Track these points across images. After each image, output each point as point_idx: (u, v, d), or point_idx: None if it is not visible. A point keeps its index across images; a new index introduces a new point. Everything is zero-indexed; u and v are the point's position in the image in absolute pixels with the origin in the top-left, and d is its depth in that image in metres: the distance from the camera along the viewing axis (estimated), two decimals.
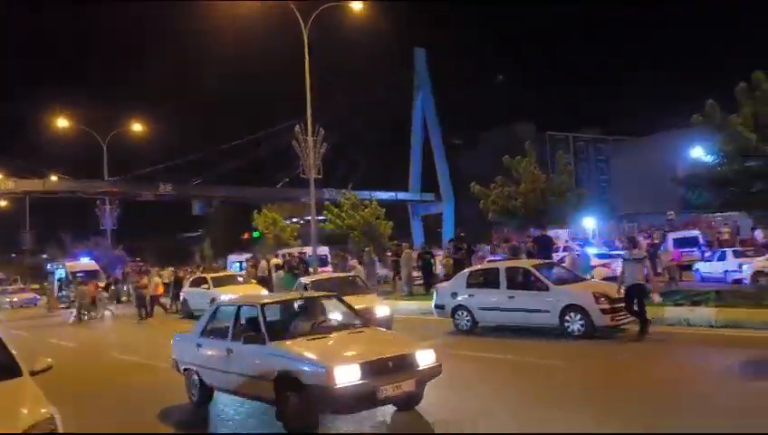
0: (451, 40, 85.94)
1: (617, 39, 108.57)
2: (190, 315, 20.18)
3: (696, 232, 24.72)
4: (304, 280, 15.00)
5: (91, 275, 32.39)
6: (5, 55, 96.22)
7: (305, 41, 24.82)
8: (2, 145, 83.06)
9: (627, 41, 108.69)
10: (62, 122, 41.74)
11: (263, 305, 7.33)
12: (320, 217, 27.95)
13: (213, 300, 17.65)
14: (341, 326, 7.52)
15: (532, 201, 17.09)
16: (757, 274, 17.21)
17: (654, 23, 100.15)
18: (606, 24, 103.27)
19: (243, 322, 7.49)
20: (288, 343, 6.77)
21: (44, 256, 63.43)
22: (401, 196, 60.15)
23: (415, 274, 20.85)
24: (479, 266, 15.10)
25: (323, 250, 30.45)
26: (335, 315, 8.07)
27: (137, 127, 43.72)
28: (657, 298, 11.74)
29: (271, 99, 69.45)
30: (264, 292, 18.45)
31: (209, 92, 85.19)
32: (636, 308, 10.72)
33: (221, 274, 23.80)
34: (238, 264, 39.73)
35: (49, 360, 5.80)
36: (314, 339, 6.83)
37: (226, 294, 17.43)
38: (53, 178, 44.96)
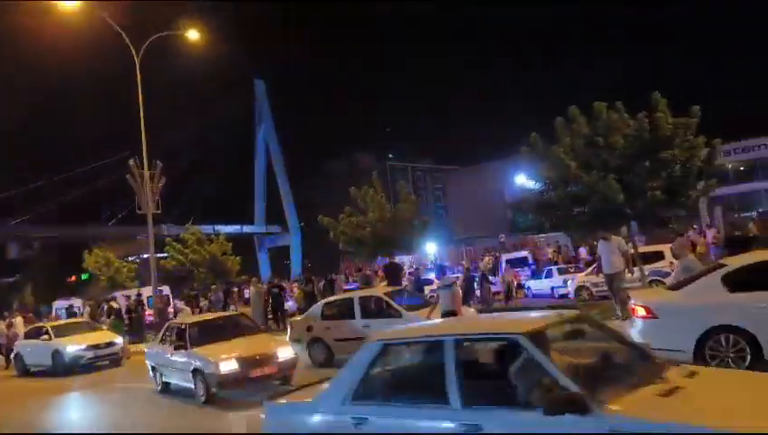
0: (291, 69, 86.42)
1: (445, 72, 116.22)
2: (26, 373, 18.16)
3: (525, 252, 26.78)
4: (179, 322, 12.71)
5: None
6: None
7: (137, 69, 23.61)
8: None
9: (453, 77, 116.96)
10: None
11: (189, 325, 11.90)
12: (160, 255, 26.37)
13: (56, 353, 16.76)
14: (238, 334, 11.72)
15: (380, 230, 17.49)
16: (580, 288, 19.06)
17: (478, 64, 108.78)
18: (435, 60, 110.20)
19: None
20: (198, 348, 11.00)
21: None
22: (247, 229, 58.93)
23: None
24: (333, 298, 15.07)
25: (165, 290, 28.72)
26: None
27: None
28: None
29: (103, 130, 64.62)
30: (118, 339, 17.70)
31: (28, 122, 77.08)
32: None
33: (62, 322, 21.35)
34: (64, 310, 36.18)
35: None
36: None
37: (73, 344, 16.72)
38: None
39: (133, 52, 22.80)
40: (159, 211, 26.16)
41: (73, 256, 53.24)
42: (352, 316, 12.74)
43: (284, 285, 21.60)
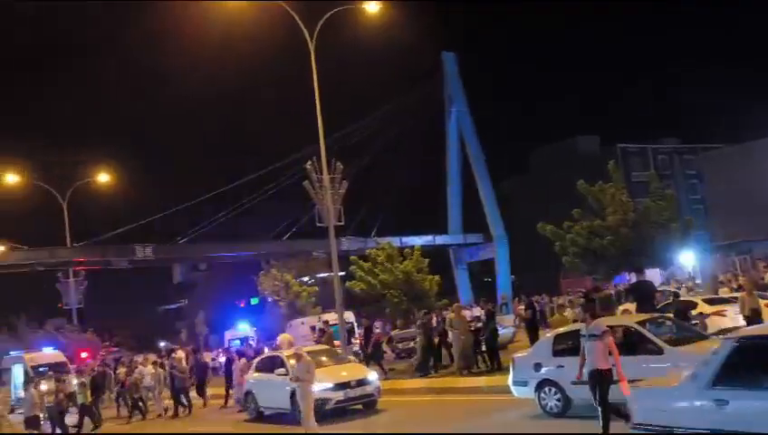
0: (483, 45, 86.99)
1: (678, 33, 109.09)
2: (259, 416, 18.34)
3: None
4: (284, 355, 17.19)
5: (57, 367, 32.56)
6: None
7: (312, 53, 25.37)
8: None
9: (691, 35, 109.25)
10: (9, 178, 42.71)
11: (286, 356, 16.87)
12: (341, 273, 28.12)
13: (296, 393, 15.21)
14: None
15: (624, 237, 16.91)
16: None
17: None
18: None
19: None
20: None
21: None
22: (440, 240, 59.94)
23: None
24: (568, 328, 14.89)
25: (349, 316, 30.45)
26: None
27: (103, 178, 44.61)
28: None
29: (265, 134, 70.44)
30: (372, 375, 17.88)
31: (189, 133, 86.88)
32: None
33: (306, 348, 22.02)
34: (238, 342, 39.87)
35: None
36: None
37: (317, 382, 15.26)
38: (0, 248, 45.78)
39: (305, 33, 24.56)
40: (342, 223, 28.01)
41: (243, 277, 58.57)
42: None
43: (494, 309, 21.64)
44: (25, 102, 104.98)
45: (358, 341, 26.37)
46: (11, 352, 40.84)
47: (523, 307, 20.19)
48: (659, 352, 11.69)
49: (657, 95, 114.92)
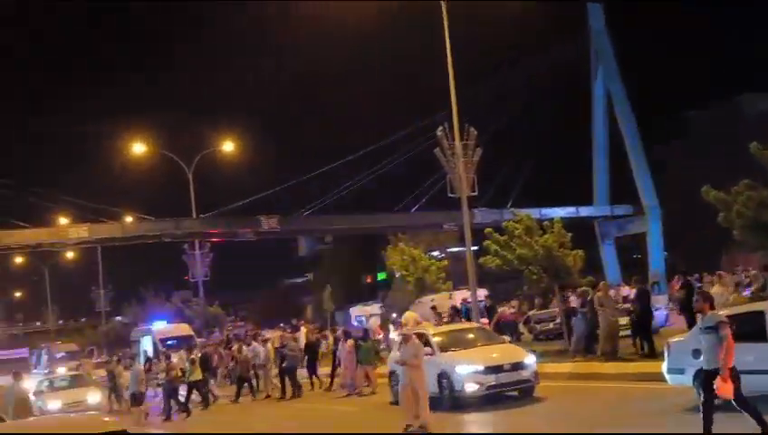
0: None
1: None
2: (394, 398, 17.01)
3: None
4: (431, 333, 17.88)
5: (185, 341, 34.42)
6: (64, 69, 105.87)
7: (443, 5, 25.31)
8: (58, 180, 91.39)
9: None
10: (137, 147, 45.19)
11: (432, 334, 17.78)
12: (473, 248, 28.06)
13: (442, 376, 16.01)
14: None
15: None
16: None
17: None
18: None
19: None
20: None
21: (118, 317, 68.81)
22: (584, 211, 58.34)
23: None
24: (733, 310, 14.14)
25: (482, 294, 30.27)
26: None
27: (227, 147, 46.34)
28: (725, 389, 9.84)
29: (391, 102, 70.79)
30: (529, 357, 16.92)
31: (310, 101, 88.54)
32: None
33: (446, 328, 20.51)
34: (364, 318, 40.63)
35: None
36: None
37: (466, 363, 15.84)
38: (128, 219, 48.54)
39: None
40: (475, 193, 27.83)
41: (368, 252, 59.57)
42: (763, 338, 11.83)
43: (648, 289, 20.91)
44: (154, 73, 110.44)
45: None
46: (140, 325, 43.69)
47: (678, 287, 19.33)
48: None
49: None
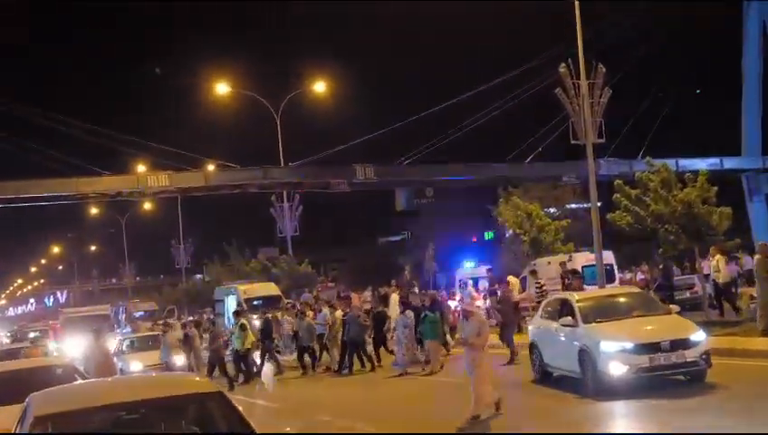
0: None
1: None
2: (546, 377, 16.84)
3: None
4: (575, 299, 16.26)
5: (271, 302, 35.17)
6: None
7: None
8: (135, 123, 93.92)
9: None
10: (221, 88, 45.95)
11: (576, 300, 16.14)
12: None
13: (583, 353, 14.66)
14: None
15: None
16: None
17: None
18: None
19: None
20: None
21: (199, 276, 70.88)
22: (730, 163, 56.24)
23: None
24: None
25: (608, 256, 29.77)
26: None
27: (318, 88, 46.61)
28: None
29: (504, 35, 69.31)
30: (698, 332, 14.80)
31: (411, 36, 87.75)
32: None
33: (596, 293, 19.59)
34: (471, 282, 40.55)
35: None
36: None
37: (613, 338, 14.32)
38: (210, 167, 49.53)
39: None
40: (603, 140, 27.25)
41: (477, 206, 59.14)
42: None
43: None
44: (241, 11, 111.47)
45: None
46: (224, 284, 44.81)
47: None
48: None
49: None
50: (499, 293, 25.55)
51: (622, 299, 16.90)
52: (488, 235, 78.86)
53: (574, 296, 16.47)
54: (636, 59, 49.84)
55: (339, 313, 25.53)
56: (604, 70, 26.29)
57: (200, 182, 45.51)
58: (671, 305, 17.24)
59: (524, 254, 33.30)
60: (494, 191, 44.71)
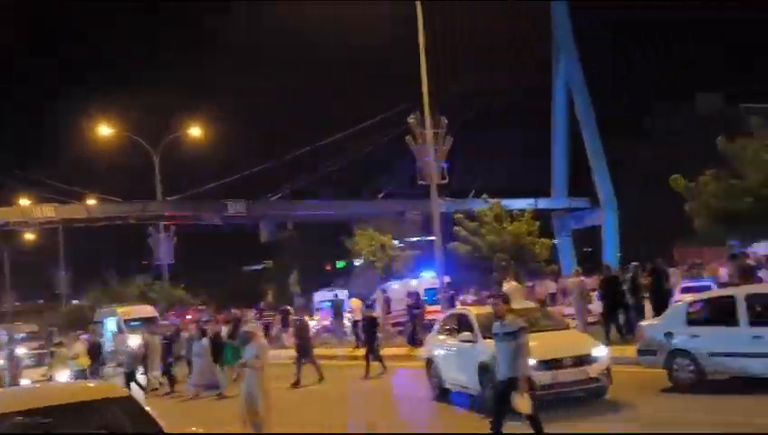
0: None
1: None
2: (444, 394, 14.67)
3: None
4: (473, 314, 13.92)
5: (149, 322, 34.02)
6: (28, 53, 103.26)
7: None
8: (20, 161, 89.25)
9: None
10: (103, 130, 44.34)
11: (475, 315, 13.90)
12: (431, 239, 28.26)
13: (483, 368, 12.47)
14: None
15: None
16: None
17: None
18: None
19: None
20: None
21: (75, 301, 67.47)
22: (543, 203, 58.89)
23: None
24: (704, 295, 14.54)
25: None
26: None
27: (194, 131, 45.82)
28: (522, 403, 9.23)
29: (361, 92, 70.27)
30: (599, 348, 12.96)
31: (280, 87, 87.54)
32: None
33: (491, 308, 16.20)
34: (328, 303, 40.53)
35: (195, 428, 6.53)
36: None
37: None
38: (91, 201, 47.74)
39: None
40: (446, 181, 28.00)
41: (331, 238, 59.38)
42: (734, 322, 12.20)
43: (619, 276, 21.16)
44: (123, 55, 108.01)
45: None
46: (104, 307, 42.96)
47: (646, 274, 19.64)
48: None
49: None
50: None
51: (527, 314, 13.49)
52: (339, 264, 78.91)
53: (473, 311, 14.33)
54: (470, 113, 51.68)
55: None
56: (446, 121, 27.03)
57: (84, 214, 43.91)
58: (570, 320, 17.01)
59: (381, 278, 33.64)
60: (347, 224, 45.18)
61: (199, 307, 54.73)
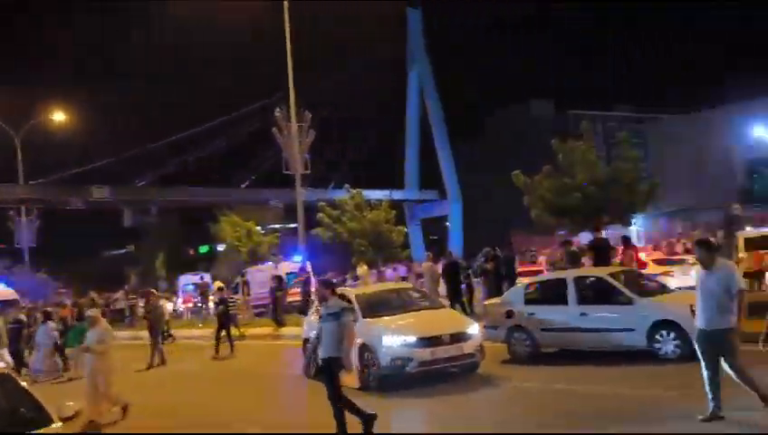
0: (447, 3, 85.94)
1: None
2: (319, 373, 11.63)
3: None
4: (350, 293, 13.12)
5: (8, 305, 32.03)
6: None
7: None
8: None
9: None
10: None
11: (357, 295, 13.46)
12: (292, 225, 28.29)
13: (365, 349, 12.12)
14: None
15: (591, 195, 17.50)
16: None
17: None
18: None
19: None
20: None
21: None
22: (397, 195, 60.00)
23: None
24: (541, 277, 15.45)
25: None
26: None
27: (58, 117, 43.42)
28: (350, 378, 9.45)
29: (229, 79, 69.04)
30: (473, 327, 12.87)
31: (150, 72, 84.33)
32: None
33: (370, 289, 15.88)
34: (192, 286, 39.67)
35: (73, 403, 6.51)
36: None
37: (394, 334, 12.10)
38: None
39: None
40: (309, 171, 28.13)
41: (196, 225, 58.08)
42: (565, 302, 13.00)
43: (461, 262, 22.05)
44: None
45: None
46: None
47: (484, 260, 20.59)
48: (628, 301, 12.26)
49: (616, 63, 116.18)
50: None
51: (398, 294, 14.36)
52: (202, 249, 77.18)
53: (352, 292, 13.78)
54: (333, 109, 51.90)
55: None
56: (310, 116, 27.14)
57: None
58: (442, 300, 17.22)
59: (245, 262, 33.27)
60: (211, 211, 44.30)
61: (61, 291, 52.12)
